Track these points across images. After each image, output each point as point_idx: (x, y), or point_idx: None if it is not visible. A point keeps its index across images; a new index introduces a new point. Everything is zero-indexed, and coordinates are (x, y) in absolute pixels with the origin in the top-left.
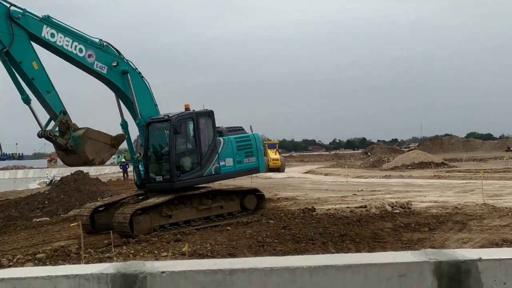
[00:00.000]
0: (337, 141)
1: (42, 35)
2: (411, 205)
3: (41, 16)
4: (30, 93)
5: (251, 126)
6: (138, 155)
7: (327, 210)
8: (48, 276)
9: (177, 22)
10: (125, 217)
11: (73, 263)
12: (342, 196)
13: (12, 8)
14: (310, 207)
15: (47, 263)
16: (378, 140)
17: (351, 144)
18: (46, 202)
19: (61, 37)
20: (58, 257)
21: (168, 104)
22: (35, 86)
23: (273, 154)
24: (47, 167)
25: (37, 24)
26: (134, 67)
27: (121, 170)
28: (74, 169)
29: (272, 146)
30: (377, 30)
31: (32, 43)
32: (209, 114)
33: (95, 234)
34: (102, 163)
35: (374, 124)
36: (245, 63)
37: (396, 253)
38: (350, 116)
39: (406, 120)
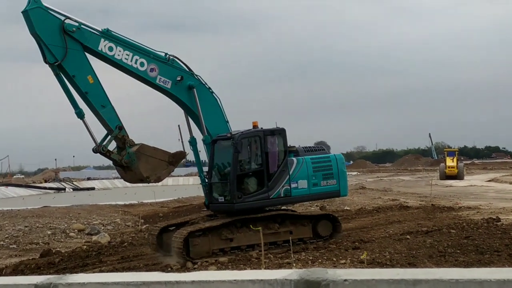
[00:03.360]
0: None
1: (99, 48)
2: None
3: (100, 29)
4: (85, 106)
5: (430, 134)
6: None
7: None
8: (234, 280)
9: (354, 29)
10: (180, 239)
11: (253, 268)
12: None
13: (67, 21)
14: (495, 217)
15: (229, 267)
16: None
17: None
18: None
19: (120, 51)
20: (239, 262)
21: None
22: (89, 100)
23: (449, 162)
24: None
25: (93, 38)
26: (203, 82)
27: None
28: None
29: (451, 153)
30: None
31: (91, 56)
32: (280, 133)
33: (164, 255)
34: (158, 180)
35: None
36: (417, 68)
37: None
38: None
39: None
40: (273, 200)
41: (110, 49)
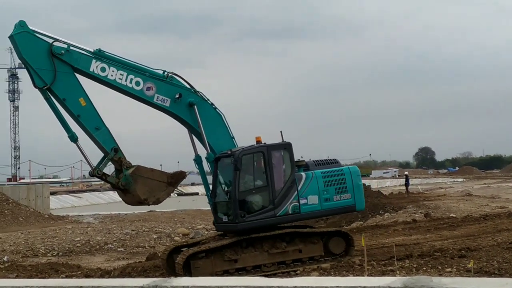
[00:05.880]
0: None
1: (91, 70)
2: None
3: (91, 50)
4: (79, 129)
5: None
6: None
7: None
8: (337, 286)
9: (459, 32)
10: (179, 261)
11: (356, 275)
12: None
13: (56, 43)
14: None
15: (332, 273)
16: None
17: None
18: None
19: (113, 71)
20: (341, 268)
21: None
22: (82, 123)
23: None
24: None
25: (83, 59)
26: (206, 98)
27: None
28: None
29: None
30: None
31: (84, 78)
32: (285, 147)
33: (173, 274)
34: (156, 202)
35: None
36: None
37: None
38: None
39: None
40: (280, 218)
41: (103, 69)
